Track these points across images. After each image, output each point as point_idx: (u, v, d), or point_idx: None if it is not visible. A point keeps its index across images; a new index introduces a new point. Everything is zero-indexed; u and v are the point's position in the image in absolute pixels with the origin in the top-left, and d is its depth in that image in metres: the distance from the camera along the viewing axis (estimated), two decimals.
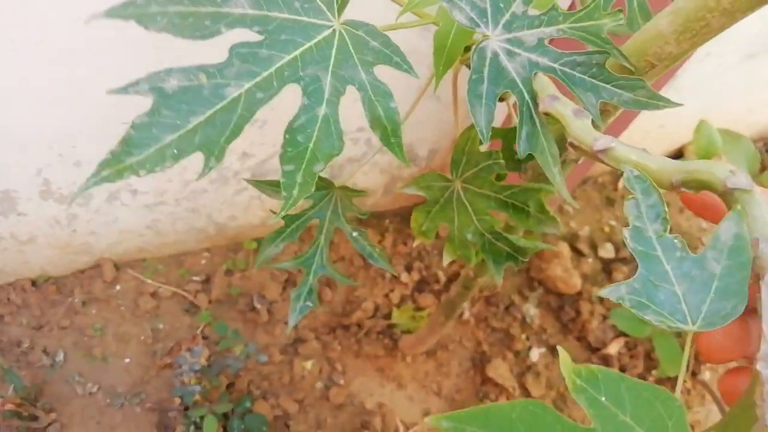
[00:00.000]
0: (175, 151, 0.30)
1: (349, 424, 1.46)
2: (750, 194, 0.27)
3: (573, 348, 1.64)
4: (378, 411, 1.47)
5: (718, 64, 1.42)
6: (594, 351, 1.63)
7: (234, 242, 1.57)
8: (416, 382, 1.53)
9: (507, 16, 0.39)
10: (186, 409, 1.33)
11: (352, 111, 1.14)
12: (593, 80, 0.38)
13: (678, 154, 1.89)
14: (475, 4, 0.38)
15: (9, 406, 1.19)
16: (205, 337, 1.46)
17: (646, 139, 1.69)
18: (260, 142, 1.20)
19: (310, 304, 0.62)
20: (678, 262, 0.29)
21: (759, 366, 0.25)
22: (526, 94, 0.38)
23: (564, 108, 0.36)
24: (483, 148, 0.55)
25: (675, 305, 0.28)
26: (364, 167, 1.41)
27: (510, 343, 1.60)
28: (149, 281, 1.47)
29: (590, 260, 1.71)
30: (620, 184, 1.88)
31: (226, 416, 1.33)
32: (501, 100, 0.42)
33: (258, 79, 0.32)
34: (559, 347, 0.28)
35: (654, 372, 1.60)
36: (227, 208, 1.38)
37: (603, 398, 0.26)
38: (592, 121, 0.36)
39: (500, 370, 1.53)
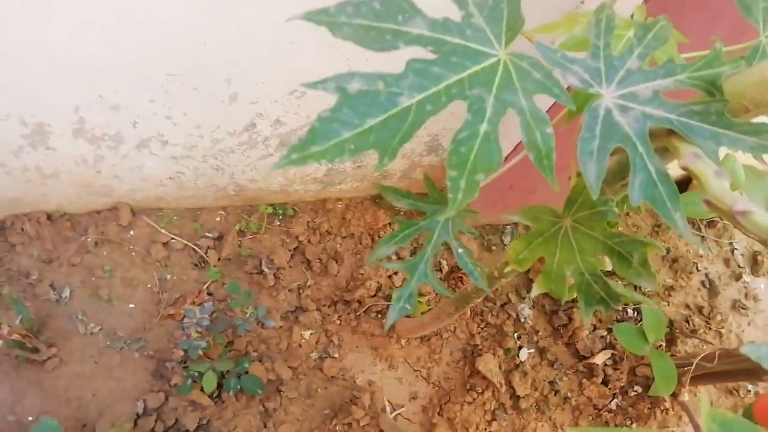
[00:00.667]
0: (352, 146, 0.33)
1: (339, 397, 1.49)
2: None
3: (561, 353, 1.69)
4: (368, 388, 1.51)
5: None
6: (581, 359, 1.69)
7: (250, 204, 1.58)
8: (407, 365, 1.58)
9: (622, 72, 0.41)
10: (185, 361, 1.36)
11: None
12: (713, 128, 0.40)
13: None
14: (588, 65, 0.40)
15: (15, 336, 1.21)
16: (209, 293, 1.48)
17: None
18: (294, 111, 1.21)
19: (408, 307, 0.66)
20: None
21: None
22: (639, 146, 0.40)
23: (705, 167, 0.37)
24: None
25: None
26: None
27: (502, 339, 1.64)
28: (163, 231, 1.49)
29: None
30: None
31: (223, 374, 1.36)
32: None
33: (428, 92, 0.36)
34: (702, 393, 0.30)
35: (636, 387, 1.66)
36: (250, 170, 1.39)
37: None
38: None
39: (489, 365, 1.57)
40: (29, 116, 1.07)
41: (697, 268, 1.91)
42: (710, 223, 1.96)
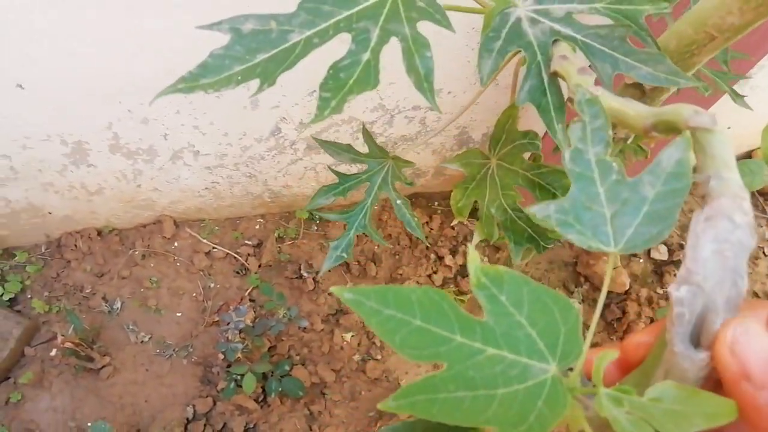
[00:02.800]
0: (240, 77, 0.35)
1: (383, 399, 1.48)
2: (713, 134, 0.27)
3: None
4: None
5: None
6: None
7: (287, 211, 1.61)
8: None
9: None
10: (228, 365, 1.39)
11: (408, 90, 1.16)
12: (613, 52, 0.40)
13: (746, 158, 1.81)
14: None
15: (68, 344, 1.28)
16: (252, 300, 1.52)
17: None
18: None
19: (345, 255, 0.67)
20: (612, 185, 0.28)
21: (672, 287, 0.24)
22: (539, 55, 0.40)
23: (570, 66, 0.37)
24: (520, 128, 0.56)
25: (600, 227, 0.28)
26: (417, 147, 1.42)
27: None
28: (205, 241, 1.54)
29: (641, 260, 1.67)
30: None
31: (265, 377, 1.39)
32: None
33: (318, 28, 0.37)
34: (469, 246, 0.28)
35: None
36: (282, 176, 1.42)
37: (503, 297, 0.26)
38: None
39: None
40: (68, 135, 1.14)
41: (764, 252, 1.78)
42: None
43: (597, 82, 0.38)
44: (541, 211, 0.28)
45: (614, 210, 0.28)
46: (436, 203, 1.71)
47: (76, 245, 1.48)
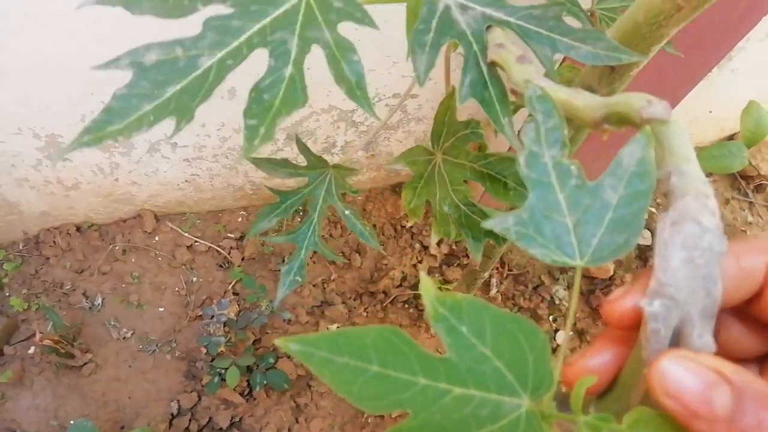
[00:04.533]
0: (152, 118, 0.32)
1: None
2: (668, 125, 0.25)
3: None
4: None
5: None
6: None
7: (269, 202, 1.59)
8: (439, 354, 1.54)
9: None
10: (212, 359, 1.38)
11: (388, 77, 1.15)
12: (549, 33, 0.38)
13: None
14: None
15: (47, 342, 1.26)
16: (235, 293, 1.50)
17: (695, 125, 1.63)
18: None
19: (299, 279, 0.63)
20: (572, 190, 0.26)
21: (644, 303, 0.23)
22: (474, 45, 0.38)
23: (508, 54, 0.35)
24: (460, 118, 0.53)
25: (563, 237, 0.26)
26: (399, 134, 1.41)
27: (536, 323, 1.58)
28: (186, 234, 1.52)
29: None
30: None
31: (250, 370, 1.37)
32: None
33: (230, 48, 0.34)
34: (421, 273, 0.27)
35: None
36: None
37: (464, 328, 0.24)
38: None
39: None
40: (40, 128, 1.12)
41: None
42: (758, 188, 1.83)
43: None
44: (499, 224, 0.26)
45: (576, 218, 0.26)
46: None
47: (54, 241, 1.46)
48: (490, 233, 0.57)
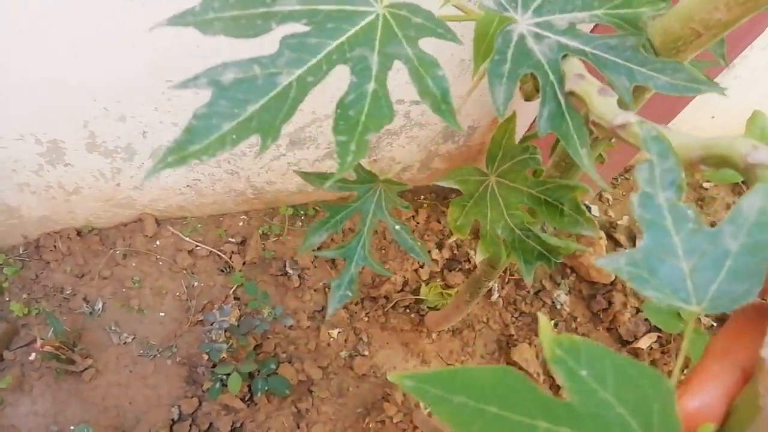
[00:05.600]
0: (234, 137, 0.31)
1: (371, 395, 1.47)
2: None
3: (602, 339, 1.62)
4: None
5: None
6: (624, 344, 1.60)
7: (271, 207, 1.59)
8: (440, 359, 1.54)
9: (538, 0, 0.39)
10: (213, 365, 1.38)
11: (392, 83, 1.13)
12: (627, 63, 0.37)
13: None
14: None
15: (48, 347, 1.25)
16: (236, 298, 1.50)
17: (697, 130, 1.63)
18: (299, 107, 1.21)
19: (350, 294, 0.63)
20: (689, 234, 0.26)
21: (764, 352, 0.22)
22: (551, 75, 0.38)
23: (589, 86, 0.35)
24: (518, 140, 0.54)
25: (679, 282, 0.25)
26: (402, 140, 1.40)
27: (538, 328, 1.58)
28: (187, 239, 1.51)
29: (627, 251, 1.67)
30: None
31: (251, 376, 1.37)
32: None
33: (308, 65, 0.34)
34: (539, 314, 0.26)
35: (686, 371, 1.57)
36: (265, 172, 1.40)
37: (584, 372, 0.23)
38: (619, 101, 0.35)
39: (525, 355, 1.52)
40: (42, 134, 1.11)
41: None
42: None
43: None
44: (611, 264, 0.26)
45: (693, 263, 0.25)
46: (422, 197, 1.70)
47: (55, 246, 1.45)
48: (540, 257, 0.57)
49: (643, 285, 0.25)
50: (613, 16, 0.38)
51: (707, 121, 1.59)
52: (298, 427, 1.40)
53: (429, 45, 0.34)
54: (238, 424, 1.38)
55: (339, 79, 0.36)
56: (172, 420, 1.37)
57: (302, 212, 1.60)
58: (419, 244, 0.63)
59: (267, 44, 0.34)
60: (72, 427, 1.34)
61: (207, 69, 0.32)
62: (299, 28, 0.34)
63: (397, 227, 0.63)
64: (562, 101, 0.37)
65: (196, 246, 1.52)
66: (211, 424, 1.37)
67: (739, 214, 0.25)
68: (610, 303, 1.62)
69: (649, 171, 0.27)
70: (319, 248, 0.66)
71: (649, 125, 0.30)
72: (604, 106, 0.33)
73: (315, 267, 1.56)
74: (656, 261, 0.26)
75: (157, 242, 1.51)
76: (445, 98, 0.35)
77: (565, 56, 0.38)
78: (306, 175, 0.60)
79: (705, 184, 1.85)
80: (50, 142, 1.14)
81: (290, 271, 1.52)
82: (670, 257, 0.26)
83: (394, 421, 1.41)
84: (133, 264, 1.49)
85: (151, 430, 1.35)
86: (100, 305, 1.44)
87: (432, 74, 0.35)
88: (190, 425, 1.36)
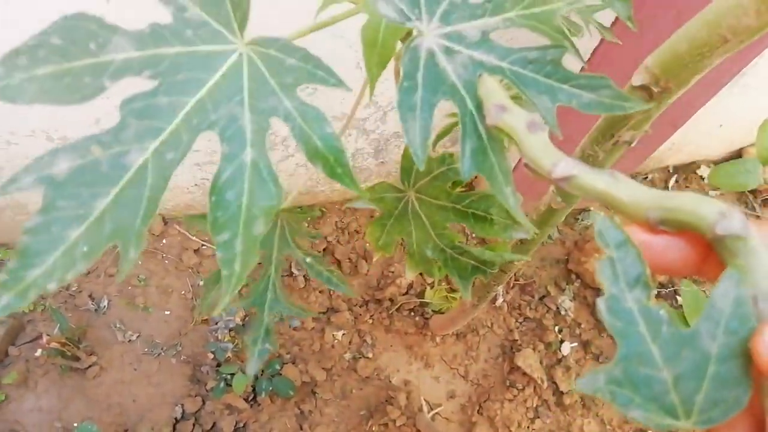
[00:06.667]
0: (86, 248, 0.24)
1: (374, 397, 1.47)
2: (746, 241, 0.23)
3: (606, 345, 1.61)
4: (403, 387, 1.49)
5: None
6: None
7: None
8: (444, 362, 1.54)
9: (444, 5, 0.33)
10: (218, 365, 1.38)
11: (386, 85, 1.12)
12: (548, 80, 0.33)
13: (736, 157, 1.82)
14: None
15: (54, 344, 1.25)
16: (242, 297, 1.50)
17: (703, 139, 1.63)
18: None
19: (269, 347, 0.54)
20: (666, 340, 0.23)
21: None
22: (469, 102, 0.32)
23: (515, 120, 0.30)
24: (434, 155, 0.49)
25: (663, 396, 0.23)
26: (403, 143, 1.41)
27: (542, 333, 1.58)
28: (194, 238, 1.52)
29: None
30: (671, 183, 1.83)
31: (255, 376, 1.37)
32: None
33: (163, 136, 0.27)
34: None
35: None
36: None
37: None
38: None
39: (529, 360, 1.51)
40: (53, 131, 1.12)
41: None
42: (766, 202, 1.83)
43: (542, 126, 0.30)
44: (590, 385, 0.24)
45: (675, 372, 0.23)
46: None
47: None
48: (476, 270, 0.54)
49: (628, 406, 0.24)
50: (526, 17, 0.34)
51: (715, 129, 1.59)
52: (301, 429, 1.41)
53: (320, 36, 0.29)
54: (241, 424, 1.38)
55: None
56: (176, 419, 1.37)
57: (309, 213, 1.60)
58: (336, 274, 0.56)
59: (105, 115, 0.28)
60: (75, 424, 1.34)
61: (32, 162, 0.24)
62: (143, 84, 0.27)
63: (308, 260, 0.56)
64: (484, 135, 0.32)
65: (203, 245, 1.53)
66: (214, 423, 1.37)
67: (712, 308, 0.23)
68: None
69: (611, 268, 0.24)
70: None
71: (594, 178, 0.26)
72: (538, 148, 0.28)
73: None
74: (636, 374, 0.24)
75: (164, 241, 1.51)
76: (339, 160, 0.29)
77: (480, 75, 0.33)
78: (188, 219, 0.54)
79: (711, 193, 1.85)
80: (61, 139, 1.14)
81: (296, 272, 1.52)
82: (649, 368, 0.24)
83: (397, 424, 1.41)
84: (139, 262, 1.49)
85: (154, 428, 1.35)
86: (105, 303, 1.44)
87: (320, 133, 0.29)
88: (193, 424, 1.37)
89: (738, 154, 1.77)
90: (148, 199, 0.26)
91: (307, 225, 0.54)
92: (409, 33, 0.34)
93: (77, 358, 1.35)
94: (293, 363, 1.45)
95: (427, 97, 0.31)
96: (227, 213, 0.27)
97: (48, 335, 1.25)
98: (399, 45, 0.38)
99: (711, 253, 0.24)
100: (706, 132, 1.59)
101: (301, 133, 0.29)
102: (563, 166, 0.27)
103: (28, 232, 0.24)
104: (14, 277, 0.23)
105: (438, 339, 1.54)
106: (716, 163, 1.86)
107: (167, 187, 0.26)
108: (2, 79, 0.24)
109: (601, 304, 0.24)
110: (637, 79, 0.41)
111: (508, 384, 1.52)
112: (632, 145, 0.53)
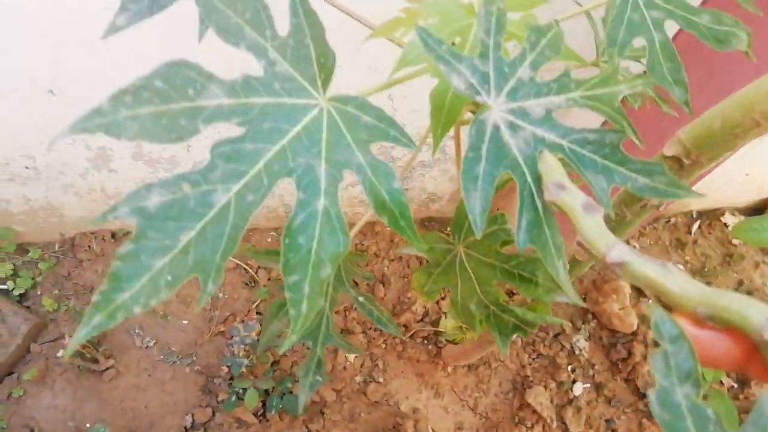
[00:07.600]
0: (169, 278, 0.26)
1: (382, 423, 1.48)
2: None
3: (620, 389, 1.60)
4: (412, 415, 1.49)
5: None
6: (642, 396, 1.59)
7: None
8: (454, 393, 1.54)
9: (512, 82, 0.35)
10: (231, 378, 1.40)
11: (413, 118, 1.14)
12: (605, 161, 0.34)
13: (762, 206, 1.80)
14: (476, 67, 0.33)
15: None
16: (259, 313, 1.52)
17: (729, 186, 1.62)
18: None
19: (320, 379, 0.57)
20: None
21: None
22: (528, 177, 0.33)
23: (573, 200, 0.31)
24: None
25: None
26: (434, 172, 1.43)
27: (554, 372, 1.57)
28: None
29: (651, 302, 1.65)
30: (694, 228, 1.81)
31: (267, 392, 1.39)
32: None
33: (246, 179, 0.29)
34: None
35: None
36: None
37: None
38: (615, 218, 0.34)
39: (540, 398, 1.51)
40: (92, 140, 1.16)
41: None
42: None
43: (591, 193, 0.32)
44: None
45: None
46: (449, 228, 1.71)
47: (89, 246, 1.49)
48: (516, 328, 0.55)
49: None
50: (589, 98, 0.36)
51: (741, 176, 1.58)
52: None
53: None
54: None
55: None
56: (185, 428, 1.39)
57: (363, 258, 1.62)
58: (386, 315, 0.59)
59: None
60: (88, 425, 1.36)
61: (129, 194, 0.27)
62: (233, 130, 0.29)
63: (361, 299, 0.59)
64: (540, 209, 0.34)
65: None
66: None
67: (760, 415, 0.23)
68: (630, 353, 1.60)
69: (664, 361, 0.25)
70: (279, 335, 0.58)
71: (646, 266, 0.27)
72: (594, 231, 0.29)
73: None
74: None
75: None
76: (403, 214, 0.31)
77: (541, 152, 0.34)
78: (256, 255, 0.56)
79: (734, 241, 1.83)
80: (99, 148, 1.18)
81: None
82: None
83: None
84: None
85: None
86: None
87: (388, 187, 0.31)
88: None
89: (764, 203, 1.76)
90: (228, 236, 0.28)
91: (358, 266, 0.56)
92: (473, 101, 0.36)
93: (95, 360, 1.38)
94: None
95: (490, 169, 0.33)
96: (298, 256, 0.29)
97: (70, 336, 1.28)
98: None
99: (757, 353, 0.25)
100: (732, 179, 1.58)
101: (371, 187, 0.31)
102: (617, 251, 0.28)
103: (120, 258, 0.26)
104: (105, 299, 0.25)
105: (449, 369, 1.54)
106: (740, 210, 1.85)
107: (238, 241, 0.28)
108: (109, 115, 0.26)
109: (651, 395, 0.25)
110: (669, 150, 0.42)
111: (516, 420, 1.51)
112: (660, 209, 0.54)
